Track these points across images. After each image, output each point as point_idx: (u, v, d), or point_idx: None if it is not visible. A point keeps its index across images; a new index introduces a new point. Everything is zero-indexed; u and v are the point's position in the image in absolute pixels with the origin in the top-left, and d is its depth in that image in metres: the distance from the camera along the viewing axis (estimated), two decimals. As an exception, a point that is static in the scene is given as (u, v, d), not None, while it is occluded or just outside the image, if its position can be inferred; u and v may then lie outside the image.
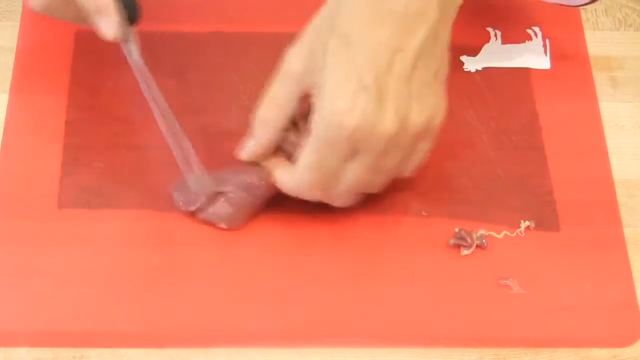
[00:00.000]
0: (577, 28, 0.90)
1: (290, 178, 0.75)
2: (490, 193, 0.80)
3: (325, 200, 0.75)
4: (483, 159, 0.81)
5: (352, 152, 0.71)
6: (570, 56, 0.85)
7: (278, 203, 0.78)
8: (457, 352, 0.74)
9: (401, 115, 0.70)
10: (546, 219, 0.79)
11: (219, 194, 0.77)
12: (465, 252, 0.77)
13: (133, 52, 0.78)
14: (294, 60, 0.73)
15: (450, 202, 0.79)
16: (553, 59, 0.87)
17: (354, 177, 0.73)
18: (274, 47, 0.82)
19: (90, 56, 0.84)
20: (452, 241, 0.78)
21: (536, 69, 0.87)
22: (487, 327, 0.75)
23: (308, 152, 0.72)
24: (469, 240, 0.77)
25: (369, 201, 0.79)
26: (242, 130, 0.81)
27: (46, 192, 0.78)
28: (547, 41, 0.88)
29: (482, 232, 0.78)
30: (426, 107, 0.72)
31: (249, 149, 0.76)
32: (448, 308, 0.75)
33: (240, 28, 0.87)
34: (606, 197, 0.81)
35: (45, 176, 0.78)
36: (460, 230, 0.78)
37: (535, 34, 0.88)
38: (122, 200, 0.78)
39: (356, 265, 0.76)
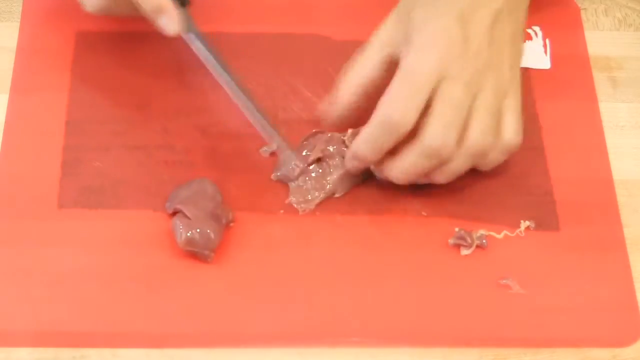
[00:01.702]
0: (577, 28, 0.90)
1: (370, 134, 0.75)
2: (490, 193, 0.80)
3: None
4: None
5: (442, 75, 0.73)
6: (570, 56, 0.85)
7: (278, 203, 0.78)
8: (457, 352, 0.74)
9: (483, 57, 0.74)
10: (546, 219, 0.79)
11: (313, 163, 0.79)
12: (465, 252, 0.77)
13: (194, 40, 0.79)
14: (383, 27, 0.77)
15: (450, 202, 0.79)
16: (553, 59, 0.87)
17: (443, 107, 0.73)
18: (273, 47, 0.82)
19: (90, 56, 0.84)
20: (451, 241, 0.78)
21: (536, 69, 0.87)
22: (487, 327, 0.75)
23: (395, 85, 0.74)
24: (468, 240, 0.77)
25: (369, 201, 0.79)
26: (242, 130, 0.81)
27: (46, 192, 0.78)
28: (547, 41, 0.88)
29: (482, 232, 0.78)
30: (504, 64, 0.76)
31: (334, 112, 0.78)
32: (448, 308, 0.75)
33: (240, 28, 0.87)
34: (606, 197, 0.81)
35: (45, 176, 0.78)
36: (460, 230, 0.78)
37: (536, 34, 0.88)
38: (122, 200, 0.78)
39: (356, 265, 0.76)
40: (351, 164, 0.77)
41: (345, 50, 0.85)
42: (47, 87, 0.82)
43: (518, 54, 0.78)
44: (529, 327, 0.75)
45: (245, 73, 0.83)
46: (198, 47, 0.80)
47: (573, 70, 0.86)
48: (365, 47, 0.77)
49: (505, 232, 0.78)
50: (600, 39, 0.89)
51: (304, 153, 0.79)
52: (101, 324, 0.73)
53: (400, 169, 0.75)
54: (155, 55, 0.84)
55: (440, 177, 0.76)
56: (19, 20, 0.86)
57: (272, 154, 0.81)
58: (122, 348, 0.72)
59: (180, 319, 0.73)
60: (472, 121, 0.74)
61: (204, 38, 0.80)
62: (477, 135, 0.74)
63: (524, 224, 0.79)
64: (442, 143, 0.73)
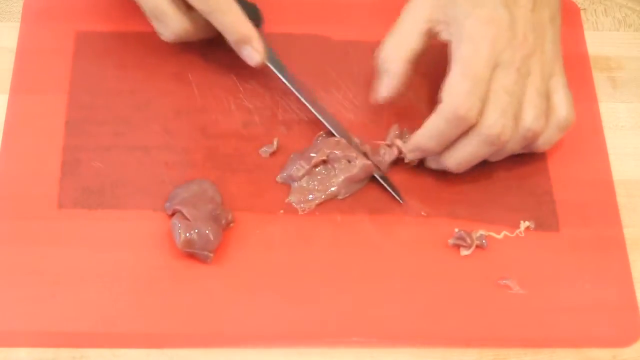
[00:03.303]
0: (577, 28, 0.90)
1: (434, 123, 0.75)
2: (490, 193, 0.80)
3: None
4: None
5: (492, 63, 0.74)
6: (570, 56, 0.84)
7: (278, 203, 0.78)
8: (457, 352, 0.74)
9: (529, 41, 0.76)
10: (546, 219, 0.79)
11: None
12: (464, 252, 0.77)
13: (276, 66, 0.81)
14: (419, 3, 0.78)
15: (450, 202, 0.79)
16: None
17: (498, 94, 0.75)
18: (273, 47, 0.82)
19: (90, 56, 0.84)
20: (451, 241, 0.78)
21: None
22: (487, 327, 0.75)
23: (457, 71, 0.74)
24: (468, 240, 0.77)
25: (369, 201, 0.79)
26: (242, 130, 0.81)
27: (46, 192, 0.78)
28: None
29: (481, 232, 0.78)
30: (546, 45, 0.78)
31: (384, 87, 0.78)
32: (448, 308, 0.75)
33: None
34: (606, 197, 0.81)
35: (45, 176, 0.78)
36: (459, 230, 0.78)
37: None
38: (122, 201, 0.78)
39: (356, 265, 0.76)
40: (413, 155, 0.79)
41: (345, 50, 0.86)
42: (47, 87, 0.82)
43: (557, 34, 0.79)
44: (529, 327, 0.75)
45: (245, 73, 0.83)
46: (278, 74, 0.82)
47: (573, 70, 0.86)
48: (401, 18, 0.78)
49: (505, 232, 0.78)
50: (600, 39, 0.89)
51: (311, 154, 0.79)
52: (101, 324, 0.73)
53: (461, 158, 0.77)
54: (155, 55, 0.84)
55: (495, 158, 0.78)
56: (19, 20, 0.86)
57: (272, 154, 0.81)
58: (122, 348, 0.72)
59: (180, 319, 0.73)
60: (525, 105, 0.76)
61: (281, 65, 0.82)
62: (532, 118, 0.76)
63: (524, 224, 0.79)
64: (501, 130, 0.75)
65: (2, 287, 0.74)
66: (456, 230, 0.78)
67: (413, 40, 0.78)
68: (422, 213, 0.79)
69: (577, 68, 0.87)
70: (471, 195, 0.80)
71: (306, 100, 0.81)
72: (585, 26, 0.90)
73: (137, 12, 0.82)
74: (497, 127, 0.74)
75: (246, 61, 0.80)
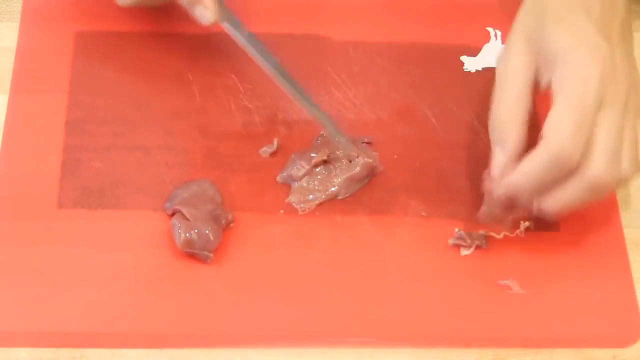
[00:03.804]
0: (577, 28, 0.90)
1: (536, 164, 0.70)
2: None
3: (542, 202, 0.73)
4: (483, 159, 0.81)
5: (599, 101, 0.70)
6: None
7: (278, 203, 0.78)
8: (457, 352, 0.74)
9: (625, 75, 0.72)
10: (546, 219, 0.79)
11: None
12: (464, 252, 0.77)
13: (232, 28, 0.80)
14: (512, 54, 0.73)
15: (450, 202, 0.79)
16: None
17: (607, 135, 0.70)
18: (273, 47, 0.82)
19: (90, 56, 0.84)
20: (451, 241, 0.77)
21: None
22: (487, 327, 0.75)
23: (563, 108, 0.69)
24: (468, 240, 0.77)
25: (369, 201, 0.79)
26: (242, 130, 0.81)
27: (46, 192, 0.78)
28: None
29: (481, 232, 0.78)
30: (633, 67, 0.74)
31: (500, 159, 0.73)
32: (448, 308, 0.75)
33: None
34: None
35: (45, 176, 0.78)
36: (459, 230, 0.78)
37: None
38: (122, 201, 0.78)
39: (356, 265, 0.76)
40: (503, 194, 0.73)
41: (345, 50, 0.86)
42: (47, 87, 0.82)
43: (636, 66, 0.76)
44: (529, 327, 0.75)
45: (244, 73, 0.83)
46: (235, 35, 0.80)
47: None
48: (504, 80, 0.73)
49: (504, 232, 0.78)
50: (600, 39, 0.89)
51: (311, 155, 0.79)
52: (101, 324, 0.73)
53: (562, 202, 0.72)
54: (155, 55, 0.84)
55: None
56: (19, 20, 0.86)
57: (272, 154, 0.81)
58: (122, 348, 0.72)
59: (180, 319, 0.73)
60: (625, 148, 0.71)
61: (240, 26, 0.80)
62: (629, 165, 0.71)
63: (524, 224, 0.78)
64: (610, 177, 0.70)
65: (2, 287, 0.74)
66: (456, 230, 0.78)
67: (527, 99, 0.72)
68: (422, 213, 0.79)
69: (577, 68, 0.87)
70: (471, 195, 0.80)
71: (267, 66, 0.79)
72: (585, 26, 0.90)
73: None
74: (606, 174, 0.69)
75: (199, 21, 0.79)
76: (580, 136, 0.69)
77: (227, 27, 0.80)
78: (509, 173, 0.72)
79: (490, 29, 0.88)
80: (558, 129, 0.69)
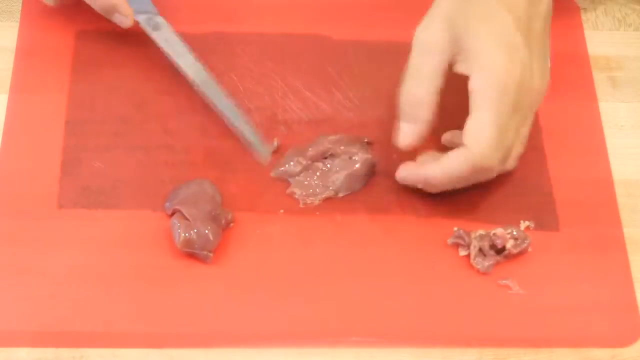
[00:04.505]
0: (577, 28, 0.90)
1: (461, 159, 0.73)
2: (490, 193, 0.80)
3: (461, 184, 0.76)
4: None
5: (515, 109, 0.73)
6: (569, 56, 0.85)
7: (278, 203, 0.78)
8: (457, 352, 0.74)
9: (545, 73, 0.75)
10: (546, 219, 0.79)
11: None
12: (463, 252, 0.77)
13: (151, 31, 0.82)
14: (432, 33, 0.74)
15: (449, 202, 0.79)
16: (553, 58, 0.86)
17: (519, 135, 0.75)
18: (273, 47, 0.82)
19: (90, 56, 0.84)
20: (450, 240, 0.78)
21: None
22: (487, 327, 0.75)
23: (485, 117, 0.72)
24: (466, 239, 0.77)
25: (369, 201, 0.79)
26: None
27: (46, 192, 0.78)
28: (547, 41, 0.88)
29: (481, 232, 0.78)
30: (547, 68, 0.77)
31: (407, 134, 0.76)
32: (448, 308, 0.75)
33: (240, 28, 0.87)
34: (606, 197, 0.81)
35: (45, 176, 0.78)
36: (458, 229, 0.78)
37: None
38: (122, 200, 0.78)
39: (356, 265, 0.76)
40: (421, 185, 0.77)
41: (345, 50, 0.86)
42: (47, 87, 0.82)
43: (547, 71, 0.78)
44: (529, 327, 0.75)
45: (244, 73, 0.83)
46: (151, 35, 0.82)
47: (573, 70, 0.86)
48: (416, 57, 0.75)
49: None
50: (600, 39, 0.89)
51: (308, 149, 0.79)
52: (101, 324, 0.73)
53: (447, 177, 0.75)
54: (155, 55, 0.84)
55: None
56: (19, 20, 0.86)
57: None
58: (122, 348, 0.72)
59: (180, 319, 0.73)
60: (517, 145, 0.77)
61: (167, 27, 0.82)
62: (513, 162, 0.78)
63: (524, 224, 0.79)
64: (496, 168, 0.75)
65: (2, 287, 0.74)
66: (455, 229, 0.78)
67: (436, 79, 0.74)
68: (422, 213, 0.79)
69: (577, 68, 0.87)
70: (471, 195, 0.80)
71: (185, 70, 0.81)
72: (585, 26, 0.90)
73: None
74: (493, 165, 0.74)
75: (120, 26, 0.82)
76: (502, 145, 0.73)
77: (145, 28, 0.82)
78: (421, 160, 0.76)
79: (490, 29, 0.88)
80: (480, 138, 0.72)
